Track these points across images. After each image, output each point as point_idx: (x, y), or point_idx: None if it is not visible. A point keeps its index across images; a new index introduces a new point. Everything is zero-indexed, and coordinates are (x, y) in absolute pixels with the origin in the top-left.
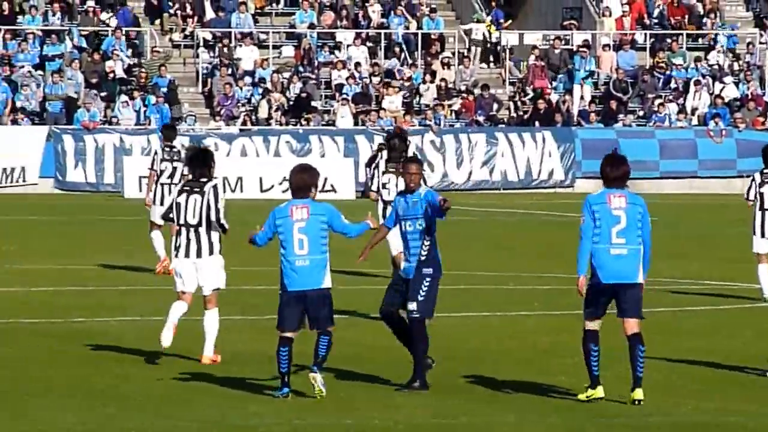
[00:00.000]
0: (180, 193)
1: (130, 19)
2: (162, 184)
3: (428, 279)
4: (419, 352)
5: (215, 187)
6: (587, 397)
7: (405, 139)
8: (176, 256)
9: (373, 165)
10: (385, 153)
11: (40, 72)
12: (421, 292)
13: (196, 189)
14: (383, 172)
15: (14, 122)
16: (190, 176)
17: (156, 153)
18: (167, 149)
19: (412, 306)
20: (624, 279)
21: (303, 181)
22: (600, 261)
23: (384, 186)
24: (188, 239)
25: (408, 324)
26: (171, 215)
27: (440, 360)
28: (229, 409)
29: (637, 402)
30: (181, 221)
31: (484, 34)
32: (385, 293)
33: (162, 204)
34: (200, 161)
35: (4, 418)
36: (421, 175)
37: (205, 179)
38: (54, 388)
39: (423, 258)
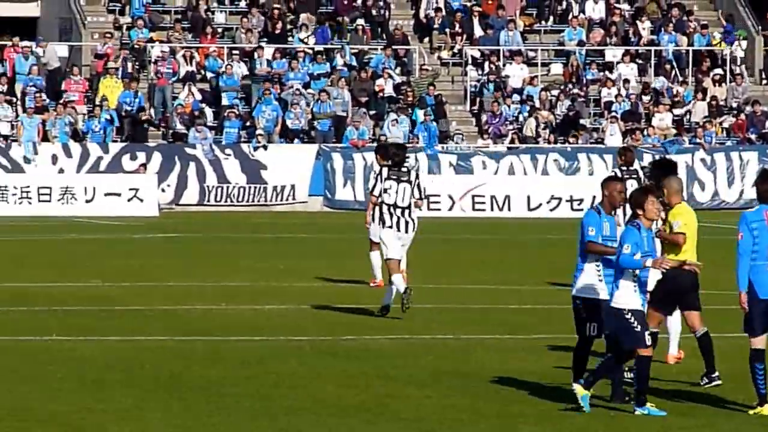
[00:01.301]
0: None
1: (327, 36)
2: (385, 204)
3: None
4: None
5: None
6: (754, 413)
7: (403, 147)
8: None
9: (377, 172)
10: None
11: (310, 91)
12: None
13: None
14: (385, 179)
15: (285, 140)
16: None
17: (379, 174)
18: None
19: None
20: None
21: None
22: (757, 277)
23: (386, 191)
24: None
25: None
26: None
27: None
28: None
29: None
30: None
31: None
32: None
33: (382, 223)
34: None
35: None
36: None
37: None
38: (346, 408)
39: None
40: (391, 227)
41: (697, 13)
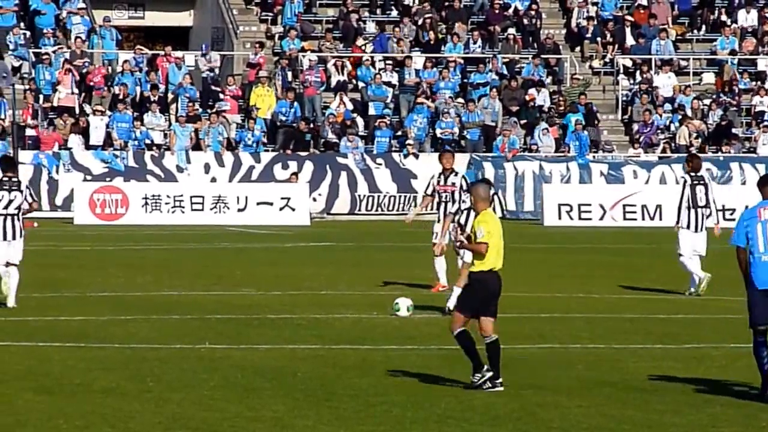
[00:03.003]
0: None
1: (386, 45)
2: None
3: None
4: None
5: None
6: None
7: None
8: None
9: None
10: None
11: (460, 100)
12: None
13: None
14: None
15: (434, 150)
16: None
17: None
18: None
19: None
20: None
21: None
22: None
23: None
24: None
25: None
26: None
27: None
28: None
29: None
30: None
31: None
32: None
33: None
34: None
35: None
36: None
37: None
38: (496, 416)
39: None
40: None
41: None
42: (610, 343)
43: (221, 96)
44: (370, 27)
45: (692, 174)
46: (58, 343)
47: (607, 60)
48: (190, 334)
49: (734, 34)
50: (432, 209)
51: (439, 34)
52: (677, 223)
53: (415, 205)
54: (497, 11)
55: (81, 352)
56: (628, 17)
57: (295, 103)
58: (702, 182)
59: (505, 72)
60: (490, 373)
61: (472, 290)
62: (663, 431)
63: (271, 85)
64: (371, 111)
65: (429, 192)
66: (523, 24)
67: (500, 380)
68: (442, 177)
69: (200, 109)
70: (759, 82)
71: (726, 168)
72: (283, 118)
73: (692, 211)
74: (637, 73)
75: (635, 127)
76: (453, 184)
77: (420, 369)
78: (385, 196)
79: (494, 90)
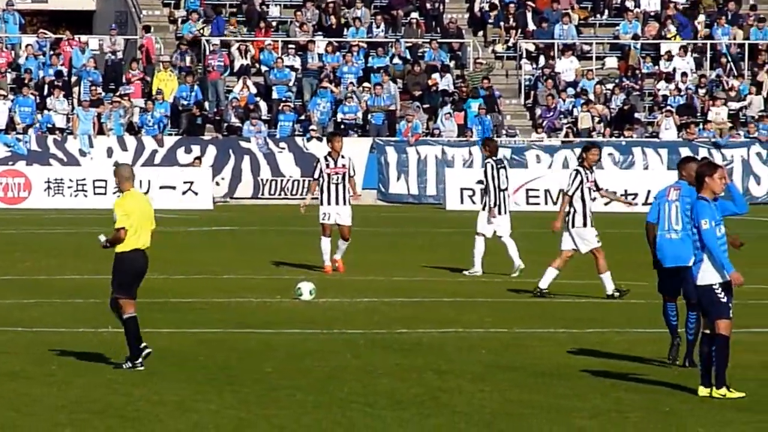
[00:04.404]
0: None
1: (222, 28)
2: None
3: None
4: None
5: None
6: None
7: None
8: None
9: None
10: None
11: (366, 84)
12: None
13: None
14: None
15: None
16: None
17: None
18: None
19: None
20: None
21: None
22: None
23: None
24: None
25: None
26: None
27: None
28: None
29: None
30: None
31: None
32: None
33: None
34: None
35: (350, 428)
36: None
37: None
38: (400, 401)
39: None
40: None
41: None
42: (514, 327)
43: (124, 80)
44: (274, 11)
45: (494, 158)
46: None
47: (510, 44)
48: (93, 318)
49: (637, 18)
50: (317, 193)
51: (342, 18)
52: (483, 206)
53: (309, 191)
54: None
55: None
56: (530, 2)
57: (196, 87)
58: (502, 165)
59: (408, 56)
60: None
61: (122, 271)
62: (567, 416)
63: (174, 70)
64: (274, 95)
65: (316, 176)
66: (426, 8)
67: (140, 360)
68: (331, 160)
69: (103, 93)
70: (661, 66)
71: (628, 153)
72: (185, 102)
73: (496, 193)
74: (541, 57)
75: (538, 111)
76: (343, 165)
77: (323, 353)
78: (288, 180)
79: (387, 74)
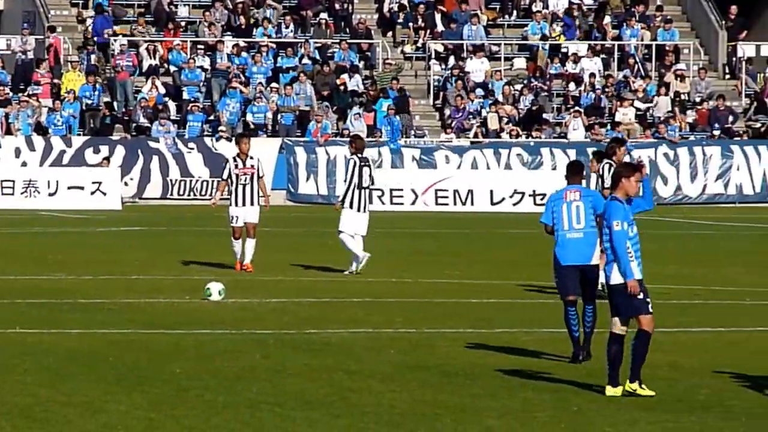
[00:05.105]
0: None
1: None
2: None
3: None
4: None
5: None
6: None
7: None
8: None
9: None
10: None
11: (274, 85)
12: None
13: None
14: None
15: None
16: None
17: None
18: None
19: None
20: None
21: None
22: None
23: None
24: None
25: None
26: None
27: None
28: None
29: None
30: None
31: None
32: None
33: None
34: None
35: (260, 429)
36: None
37: None
38: (309, 401)
39: None
40: None
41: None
42: (423, 327)
43: (35, 80)
44: (183, 11)
45: (359, 155)
46: None
47: (419, 45)
48: (0, 318)
49: (545, 19)
50: (227, 194)
51: (251, 18)
52: (341, 202)
53: (218, 191)
54: None
55: None
56: (440, 6)
57: (98, 86)
58: (367, 164)
59: (318, 57)
60: None
61: None
62: (477, 415)
63: (81, 70)
64: (185, 95)
65: (225, 177)
66: (336, 9)
67: None
68: (239, 160)
69: (11, 94)
70: (569, 67)
71: (537, 153)
72: (89, 102)
73: (357, 191)
74: (450, 58)
75: (447, 112)
76: (252, 166)
77: (232, 353)
78: (197, 180)
79: (303, 75)
